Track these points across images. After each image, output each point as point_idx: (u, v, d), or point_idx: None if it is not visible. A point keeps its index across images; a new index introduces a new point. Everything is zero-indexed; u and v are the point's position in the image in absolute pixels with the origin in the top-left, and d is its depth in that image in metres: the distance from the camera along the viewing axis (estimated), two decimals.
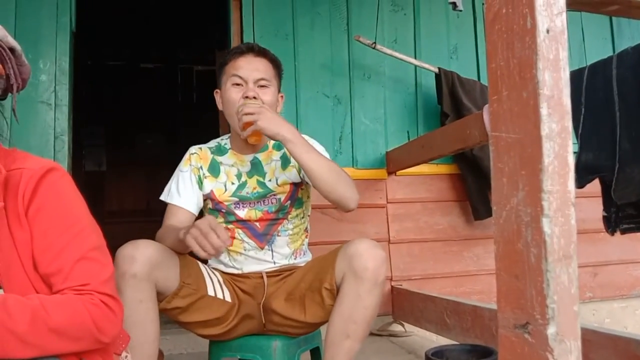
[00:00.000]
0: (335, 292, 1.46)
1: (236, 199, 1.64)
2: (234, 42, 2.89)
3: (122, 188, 5.88)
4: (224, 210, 1.65)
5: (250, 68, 1.61)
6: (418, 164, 2.80)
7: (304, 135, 1.60)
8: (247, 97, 1.57)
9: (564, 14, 0.69)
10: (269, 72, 1.64)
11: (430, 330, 2.48)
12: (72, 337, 0.87)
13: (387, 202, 2.99)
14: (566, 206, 0.67)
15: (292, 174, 1.67)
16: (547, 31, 0.68)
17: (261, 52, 1.65)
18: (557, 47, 0.69)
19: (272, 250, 1.66)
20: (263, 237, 1.65)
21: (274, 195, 1.65)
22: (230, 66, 1.63)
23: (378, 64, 3.08)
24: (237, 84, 1.60)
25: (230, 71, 1.62)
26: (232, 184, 1.65)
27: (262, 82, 1.61)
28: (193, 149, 1.73)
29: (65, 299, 0.90)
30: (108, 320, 0.92)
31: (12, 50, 1.00)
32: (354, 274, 1.39)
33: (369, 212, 2.94)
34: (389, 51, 2.92)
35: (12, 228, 0.93)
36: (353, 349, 1.43)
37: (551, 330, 0.65)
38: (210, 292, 1.54)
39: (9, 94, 1.03)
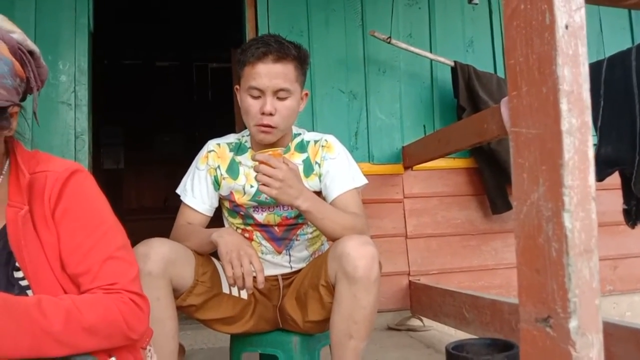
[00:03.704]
0: (331, 289, 1.43)
1: (255, 203, 1.60)
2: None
3: (140, 186, 5.96)
4: (242, 213, 1.63)
5: (268, 77, 1.48)
6: (434, 158, 2.80)
7: (334, 143, 1.62)
8: (263, 113, 1.49)
9: (583, 10, 0.69)
10: (290, 76, 1.51)
11: (448, 325, 2.48)
12: (104, 335, 0.89)
13: (404, 197, 3.00)
14: (587, 201, 0.68)
15: (314, 183, 1.60)
16: (566, 27, 0.68)
17: (282, 55, 1.49)
18: (576, 43, 0.69)
19: (289, 255, 1.64)
20: (281, 241, 1.63)
21: None
22: (248, 72, 1.51)
23: (393, 58, 3.08)
24: (255, 97, 1.51)
25: (248, 79, 1.50)
26: (251, 187, 1.59)
27: (282, 94, 1.50)
28: (211, 144, 1.66)
29: (96, 298, 0.92)
30: (137, 318, 0.94)
31: (31, 53, 1.02)
32: (345, 275, 1.35)
33: (385, 207, 2.95)
34: (404, 45, 2.92)
35: (38, 230, 0.95)
36: (359, 347, 1.41)
37: (573, 323, 0.65)
38: (225, 290, 1.54)
39: (28, 95, 1.05)
